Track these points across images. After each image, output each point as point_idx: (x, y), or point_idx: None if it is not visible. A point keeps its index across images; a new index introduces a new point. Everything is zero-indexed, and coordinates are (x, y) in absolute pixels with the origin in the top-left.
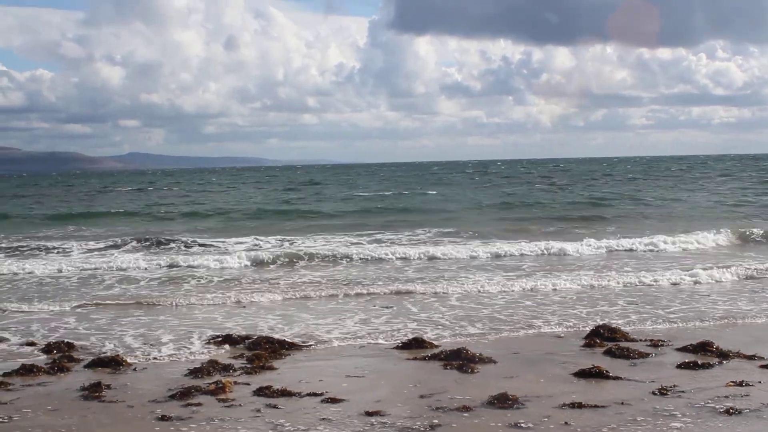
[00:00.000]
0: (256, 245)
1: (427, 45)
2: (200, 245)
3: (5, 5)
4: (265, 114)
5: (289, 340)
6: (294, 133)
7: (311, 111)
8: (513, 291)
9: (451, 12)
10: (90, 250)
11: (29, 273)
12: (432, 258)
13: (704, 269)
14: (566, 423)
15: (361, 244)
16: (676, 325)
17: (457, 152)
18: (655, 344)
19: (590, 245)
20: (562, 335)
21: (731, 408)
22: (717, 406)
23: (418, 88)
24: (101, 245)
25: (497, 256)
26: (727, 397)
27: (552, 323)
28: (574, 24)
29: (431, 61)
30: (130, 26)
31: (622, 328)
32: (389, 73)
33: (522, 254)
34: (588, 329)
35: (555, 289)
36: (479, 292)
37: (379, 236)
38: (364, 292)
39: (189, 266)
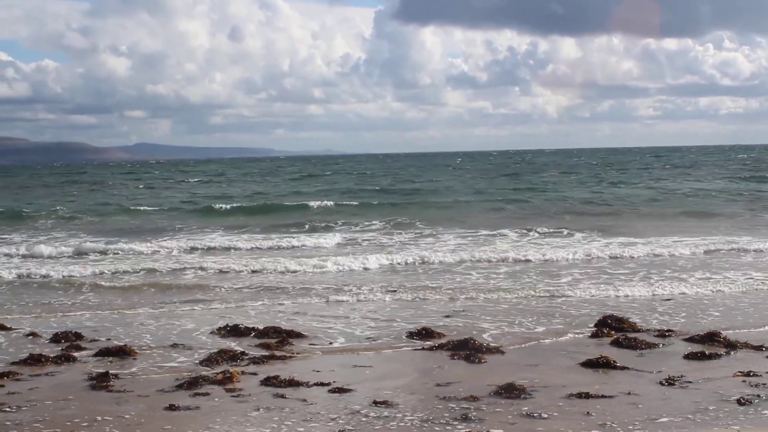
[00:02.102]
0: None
1: (433, 36)
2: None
3: None
4: (271, 105)
5: (297, 330)
6: (300, 123)
7: (317, 102)
8: None
9: (455, 2)
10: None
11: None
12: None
13: None
14: (588, 413)
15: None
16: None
17: (464, 143)
18: (662, 334)
19: None
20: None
21: (742, 398)
22: (726, 396)
23: (424, 79)
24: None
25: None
26: (737, 387)
27: None
28: (580, 14)
29: (437, 51)
30: (135, 17)
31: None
32: (395, 63)
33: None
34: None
35: None
36: None
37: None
38: None
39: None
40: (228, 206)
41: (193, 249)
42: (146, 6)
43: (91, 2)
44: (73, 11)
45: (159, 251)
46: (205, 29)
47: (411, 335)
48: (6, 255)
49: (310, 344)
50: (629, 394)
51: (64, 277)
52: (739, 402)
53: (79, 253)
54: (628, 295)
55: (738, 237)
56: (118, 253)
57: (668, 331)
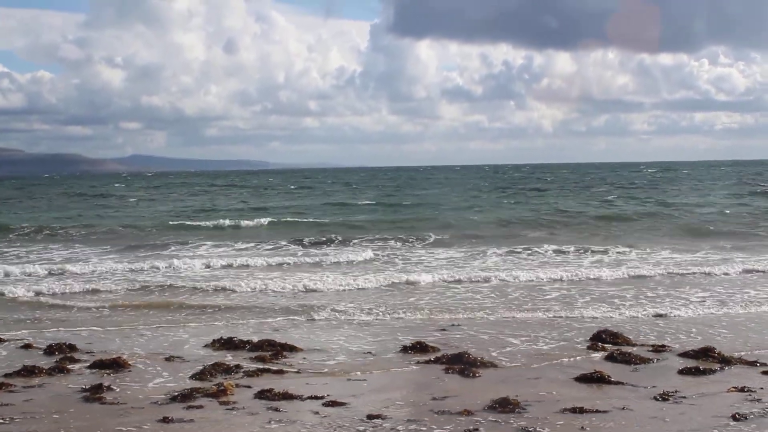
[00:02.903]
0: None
1: (428, 49)
2: None
3: (6, 7)
4: (266, 117)
5: (291, 344)
6: (296, 136)
7: (313, 114)
8: None
9: (450, 16)
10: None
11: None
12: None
13: None
14: (582, 428)
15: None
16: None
17: (459, 157)
18: (656, 349)
19: None
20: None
21: (737, 414)
22: (721, 412)
23: (420, 92)
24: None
25: None
26: (732, 402)
27: None
28: (575, 29)
29: (432, 65)
30: (131, 29)
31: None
32: (390, 77)
33: None
34: None
35: None
36: None
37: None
38: None
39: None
40: (227, 222)
41: (186, 263)
42: (142, 18)
43: (87, 14)
44: (68, 23)
45: (160, 266)
46: (201, 42)
47: (405, 349)
48: None
49: (304, 358)
50: (623, 409)
51: (55, 292)
52: (734, 418)
53: (62, 270)
54: (621, 312)
55: (732, 253)
56: (109, 268)
57: (662, 346)
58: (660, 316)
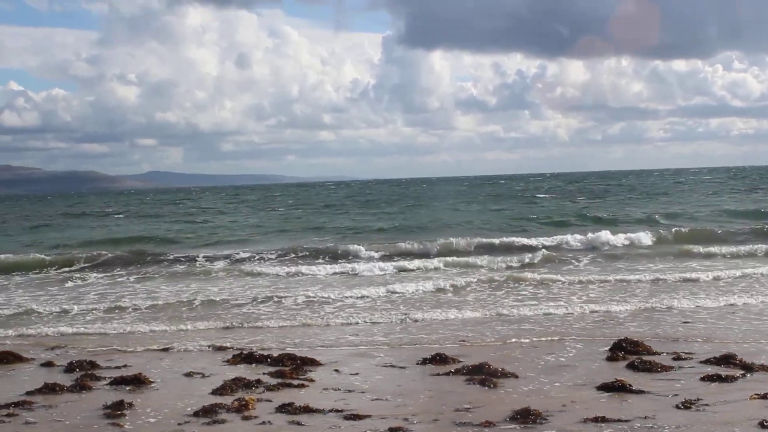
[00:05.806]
0: None
1: (441, 60)
2: None
3: (19, 26)
4: (281, 131)
5: (311, 357)
6: (312, 149)
7: (328, 128)
8: None
9: (461, 26)
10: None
11: None
12: None
13: None
14: None
15: None
16: None
17: (476, 167)
18: (678, 357)
19: None
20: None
21: (765, 421)
22: (745, 420)
23: (434, 103)
24: None
25: None
26: (755, 410)
27: None
28: (586, 37)
29: (446, 75)
30: (143, 45)
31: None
32: (404, 88)
33: None
34: None
35: None
36: None
37: None
38: None
39: None
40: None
41: (190, 274)
42: (155, 35)
43: (99, 32)
44: (81, 41)
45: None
46: (214, 57)
47: (425, 361)
48: None
49: (325, 371)
50: (645, 418)
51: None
52: (761, 425)
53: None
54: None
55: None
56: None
57: (684, 353)
58: (686, 323)
